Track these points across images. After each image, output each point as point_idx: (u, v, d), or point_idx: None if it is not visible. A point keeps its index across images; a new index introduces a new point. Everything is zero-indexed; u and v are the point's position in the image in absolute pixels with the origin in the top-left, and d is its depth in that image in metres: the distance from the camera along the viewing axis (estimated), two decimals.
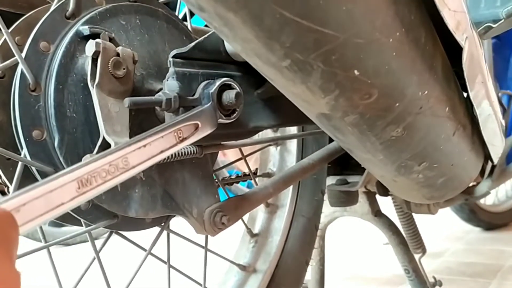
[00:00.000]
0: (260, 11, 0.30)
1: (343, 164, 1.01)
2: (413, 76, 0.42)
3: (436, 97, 0.47)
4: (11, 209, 0.27)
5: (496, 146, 0.64)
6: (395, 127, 0.45)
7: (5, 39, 0.50)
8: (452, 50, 0.46)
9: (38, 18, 0.52)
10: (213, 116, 0.52)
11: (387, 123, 0.45)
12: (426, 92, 0.44)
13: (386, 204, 1.13)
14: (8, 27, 0.52)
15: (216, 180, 0.75)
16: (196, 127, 0.50)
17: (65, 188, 0.31)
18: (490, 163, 1.17)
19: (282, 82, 0.40)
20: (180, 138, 0.47)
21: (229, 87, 0.54)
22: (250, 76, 0.59)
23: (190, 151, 0.57)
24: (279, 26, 0.31)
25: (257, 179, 0.87)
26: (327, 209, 1.15)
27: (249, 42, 0.33)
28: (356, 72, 0.37)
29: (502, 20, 0.66)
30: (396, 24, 0.37)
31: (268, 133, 0.88)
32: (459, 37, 0.42)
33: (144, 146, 0.41)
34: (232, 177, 0.86)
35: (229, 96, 0.52)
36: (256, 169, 0.91)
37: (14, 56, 0.49)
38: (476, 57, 0.48)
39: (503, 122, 0.63)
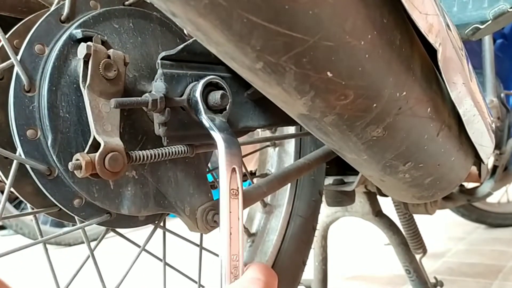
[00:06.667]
0: (228, 16, 0.31)
1: (343, 164, 1.01)
2: (389, 77, 0.43)
3: (416, 98, 0.47)
4: None
5: (485, 147, 0.64)
6: (375, 127, 0.46)
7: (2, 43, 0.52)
8: (433, 52, 0.47)
9: (36, 22, 0.54)
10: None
11: (367, 123, 0.45)
12: (404, 93, 0.45)
13: (387, 205, 1.13)
14: (9, 31, 0.54)
15: (213, 180, 0.76)
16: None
17: None
18: (491, 164, 1.17)
19: (259, 83, 0.41)
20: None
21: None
22: (239, 77, 0.60)
23: (181, 150, 0.58)
24: (248, 30, 0.33)
25: (255, 179, 0.88)
26: (328, 209, 1.16)
27: (222, 45, 0.35)
28: (329, 74, 0.38)
29: (490, 21, 0.66)
30: (367, 27, 0.38)
31: (267, 134, 0.89)
32: (432, 39, 0.43)
33: None
34: None
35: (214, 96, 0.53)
36: (256, 170, 0.92)
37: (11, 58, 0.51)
38: (455, 59, 0.48)
39: (491, 122, 0.64)
